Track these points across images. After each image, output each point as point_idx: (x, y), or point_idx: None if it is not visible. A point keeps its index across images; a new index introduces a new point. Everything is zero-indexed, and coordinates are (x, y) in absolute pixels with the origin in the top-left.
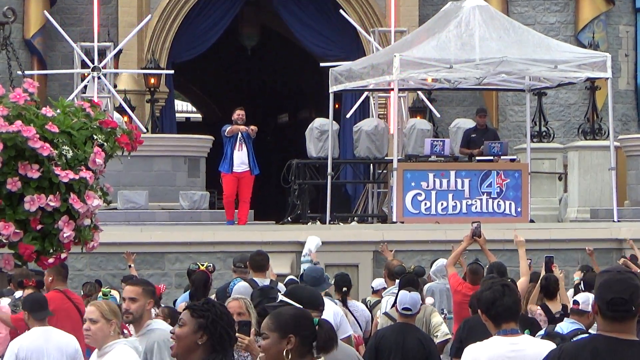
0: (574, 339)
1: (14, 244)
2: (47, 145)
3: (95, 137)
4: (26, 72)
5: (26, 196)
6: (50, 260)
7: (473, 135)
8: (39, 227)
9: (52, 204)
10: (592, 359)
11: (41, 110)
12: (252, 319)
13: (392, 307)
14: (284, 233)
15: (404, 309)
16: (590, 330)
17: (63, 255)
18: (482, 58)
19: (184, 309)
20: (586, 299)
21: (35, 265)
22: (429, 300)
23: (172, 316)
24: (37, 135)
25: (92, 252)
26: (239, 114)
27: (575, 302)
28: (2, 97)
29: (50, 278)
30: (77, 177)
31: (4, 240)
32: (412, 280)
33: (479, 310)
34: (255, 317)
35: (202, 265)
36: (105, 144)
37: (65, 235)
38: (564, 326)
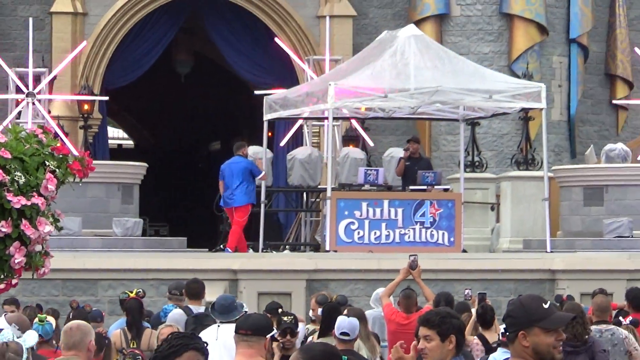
0: None
1: None
2: (0, 171)
3: (47, 163)
4: None
5: None
6: (1, 286)
7: (407, 163)
8: None
9: (3, 229)
10: None
11: None
12: None
13: (319, 337)
14: (217, 261)
15: (341, 333)
16: None
17: (14, 281)
18: (417, 87)
19: None
20: None
21: None
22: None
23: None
24: None
25: (24, 279)
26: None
27: (504, 333)
28: None
29: None
30: (29, 203)
31: None
32: (335, 309)
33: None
34: None
35: (132, 292)
36: (57, 170)
37: (16, 261)
38: (498, 356)
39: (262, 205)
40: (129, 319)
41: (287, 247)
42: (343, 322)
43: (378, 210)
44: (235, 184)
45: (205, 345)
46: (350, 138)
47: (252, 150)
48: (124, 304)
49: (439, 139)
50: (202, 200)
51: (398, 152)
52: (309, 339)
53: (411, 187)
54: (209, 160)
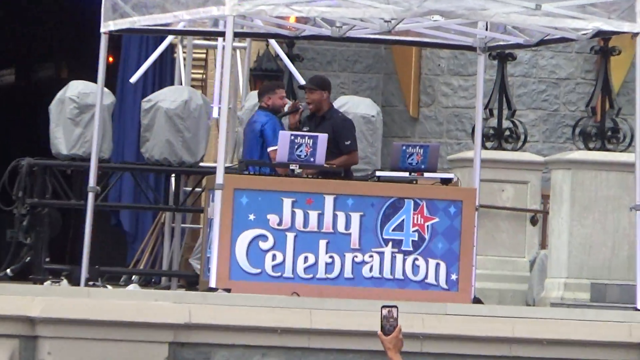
0: None
1: None
2: None
3: None
4: None
5: None
6: None
7: (304, 129)
8: None
9: None
10: None
11: None
12: None
13: None
14: None
15: None
16: None
17: None
18: None
19: None
20: None
21: None
22: None
23: None
24: None
25: None
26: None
27: None
28: None
29: None
30: None
31: None
32: None
33: None
34: None
35: None
36: None
37: None
38: None
39: (89, 198)
40: None
41: (134, 277)
42: None
43: (313, 215)
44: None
45: None
46: (266, 74)
47: (77, 88)
48: None
49: (435, 84)
50: None
51: (360, 104)
52: None
53: (378, 174)
54: None
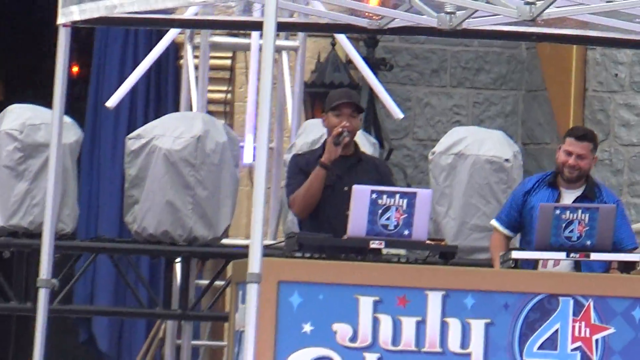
0: None
1: None
2: None
3: None
4: None
5: None
6: None
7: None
8: None
9: None
10: None
11: None
12: None
13: None
14: None
15: None
16: None
17: None
18: None
19: None
20: None
21: None
22: None
23: None
24: None
25: None
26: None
27: None
28: None
29: None
30: None
31: None
32: None
33: None
34: None
35: None
36: None
37: None
38: None
39: (41, 298)
40: None
41: None
42: None
43: (409, 324)
44: None
45: None
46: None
47: (20, 118)
48: None
49: (610, 106)
50: None
51: (480, 142)
52: None
53: (516, 255)
54: None
